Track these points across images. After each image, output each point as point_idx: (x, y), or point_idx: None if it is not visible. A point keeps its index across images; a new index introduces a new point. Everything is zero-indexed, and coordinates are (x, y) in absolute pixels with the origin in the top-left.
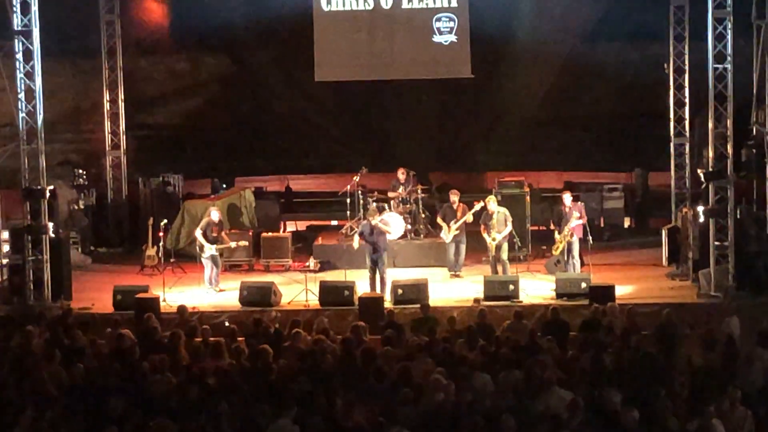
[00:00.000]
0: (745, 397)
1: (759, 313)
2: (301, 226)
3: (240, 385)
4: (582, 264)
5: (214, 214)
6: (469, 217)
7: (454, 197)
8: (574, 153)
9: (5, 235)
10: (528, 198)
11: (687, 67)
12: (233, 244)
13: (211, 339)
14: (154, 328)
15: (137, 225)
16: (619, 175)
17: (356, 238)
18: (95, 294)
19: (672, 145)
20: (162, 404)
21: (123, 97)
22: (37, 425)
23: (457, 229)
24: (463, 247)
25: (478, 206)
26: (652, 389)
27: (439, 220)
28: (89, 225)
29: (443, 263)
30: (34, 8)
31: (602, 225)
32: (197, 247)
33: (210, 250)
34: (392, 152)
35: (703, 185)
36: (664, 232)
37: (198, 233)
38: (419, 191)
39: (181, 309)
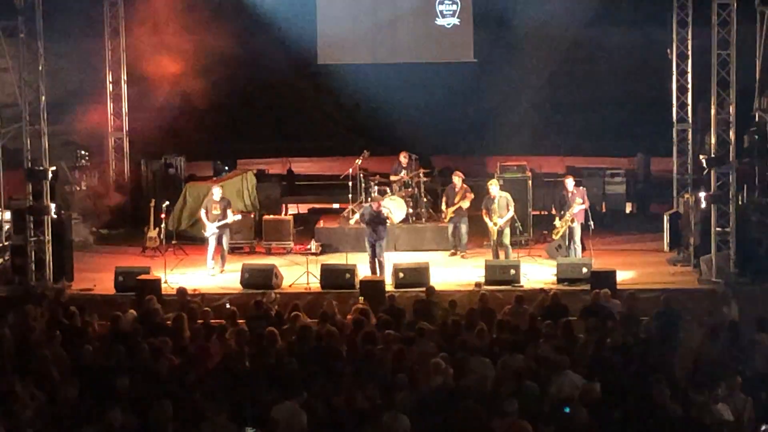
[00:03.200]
0: (745, 383)
1: (760, 299)
2: (303, 209)
3: (242, 368)
4: (583, 249)
5: (216, 192)
6: (465, 204)
7: (457, 179)
8: (577, 138)
9: (7, 215)
10: (530, 182)
11: (690, 53)
12: (230, 219)
13: (212, 321)
14: (155, 310)
15: (139, 207)
16: (621, 161)
17: (355, 217)
18: (97, 275)
19: (674, 130)
20: (163, 386)
21: (126, 78)
22: (39, 406)
23: (452, 213)
24: (464, 227)
25: (469, 198)
26: (653, 375)
27: (443, 199)
28: (91, 206)
29: (445, 247)
30: None
31: (604, 210)
32: (202, 228)
33: (211, 228)
34: (394, 136)
35: (705, 171)
36: (665, 218)
37: (201, 212)
38: (421, 175)
39: (181, 291)
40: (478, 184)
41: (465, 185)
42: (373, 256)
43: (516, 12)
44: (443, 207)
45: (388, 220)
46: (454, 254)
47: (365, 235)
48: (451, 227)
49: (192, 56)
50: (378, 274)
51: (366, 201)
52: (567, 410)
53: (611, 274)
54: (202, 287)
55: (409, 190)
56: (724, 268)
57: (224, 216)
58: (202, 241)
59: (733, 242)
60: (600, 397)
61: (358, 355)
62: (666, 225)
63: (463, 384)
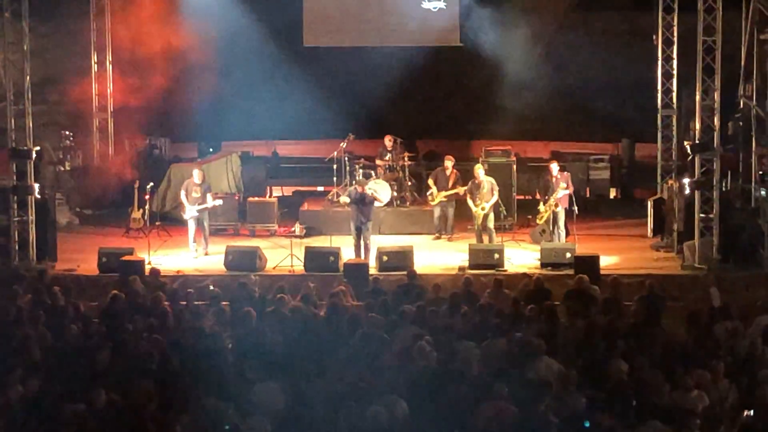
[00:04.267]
0: (728, 369)
1: (742, 285)
2: (288, 191)
3: (223, 349)
4: (567, 234)
5: (196, 175)
6: (460, 191)
7: (449, 162)
8: (561, 123)
9: None
10: (514, 167)
11: (675, 39)
12: (211, 204)
13: (195, 302)
14: (137, 291)
15: (123, 188)
16: (606, 146)
17: (343, 198)
18: (80, 256)
19: (659, 116)
20: (145, 367)
21: (111, 59)
22: (24, 387)
23: (445, 198)
24: (450, 211)
25: (462, 189)
26: (636, 360)
27: (430, 181)
28: (75, 187)
29: (429, 231)
30: None
31: (588, 195)
32: (181, 210)
33: (190, 211)
34: (380, 119)
35: (690, 157)
36: (649, 204)
37: (182, 194)
38: (406, 159)
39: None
40: (465, 169)
41: (456, 170)
42: (359, 238)
43: None
44: (433, 190)
45: (375, 201)
46: (438, 238)
47: (351, 219)
48: (438, 211)
49: (177, 37)
50: (363, 257)
51: (351, 184)
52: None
53: (595, 259)
54: (186, 269)
55: (394, 173)
56: (707, 254)
57: (204, 200)
58: (186, 223)
59: (717, 228)
60: (577, 383)
61: (343, 337)
62: (650, 211)
63: (449, 368)
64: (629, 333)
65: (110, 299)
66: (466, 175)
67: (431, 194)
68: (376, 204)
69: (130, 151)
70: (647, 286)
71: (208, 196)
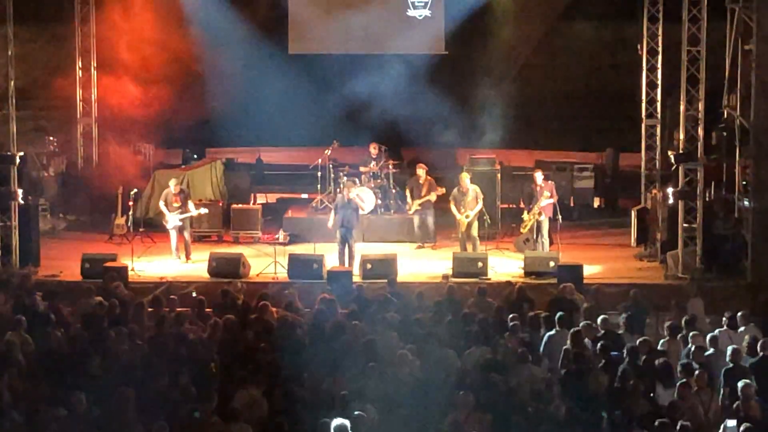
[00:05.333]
0: (710, 379)
1: (725, 295)
2: (272, 198)
3: (207, 356)
4: (551, 243)
5: (172, 184)
6: (432, 197)
7: (421, 171)
8: (546, 131)
9: None
10: (499, 176)
11: (660, 49)
12: (195, 212)
13: (178, 309)
14: (121, 297)
15: (106, 194)
16: (590, 155)
17: (331, 216)
18: (63, 262)
19: (643, 126)
20: (127, 373)
21: (95, 65)
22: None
23: (419, 205)
24: (430, 219)
25: (438, 192)
26: (618, 370)
27: (407, 191)
28: (58, 193)
29: (413, 239)
30: None
31: (572, 204)
32: (163, 219)
33: (173, 220)
34: (364, 127)
35: (673, 167)
36: (633, 213)
37: (161, 204)
38: (390, 166)
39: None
40: (448, 177)
41: (429, 177)
42: (343, 245)
43: (487, 4)
44: (408, 199)
45: (359, 209)
46: (421, 247)
47: (336, 226)
48: (417, 220)
49: (162, 43)
50: (347, 265)
51: (335, 191)
52: None
53: (578, 268)
54: (169, 275)
55: (378, 181)
56: (690, 264)
57: (185, 208)
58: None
59: (700, 238)
60: (559, 391)
61: (326, 344)
62: (633, 220)
63: (428, 376)
64: (612, 342)
65: (93, 305)
66: (449, 184)
67: (408, 204)
68: (359, 211)
69: (114, 157)
70: (631, 294)
71: (190, 203)
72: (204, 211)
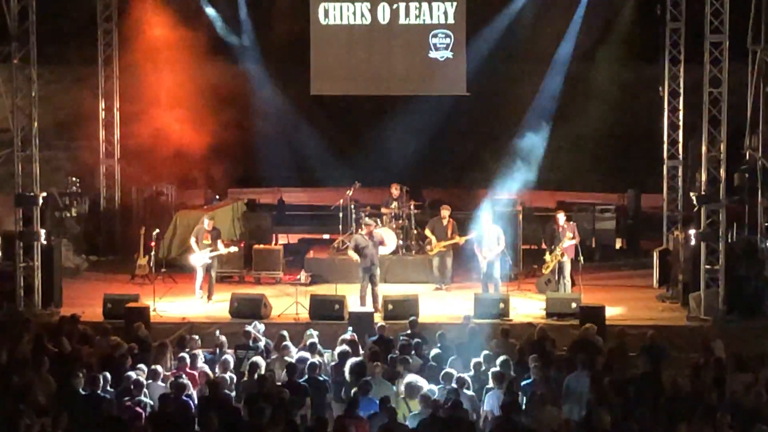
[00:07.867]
0: (732, 421)
1: (747, 337)
2: (293, 238)
3: (228, 397)
4: (573, 284)
5: (206, 222)
6: (460, 240)
7: (445, 212)
8: (568, 173)
9: None
10: (520, 216)
11: (681, 90)
12: (224, 250)
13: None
14: (144, 338)
15: (129, 234)
16: (612, 196)
17: (351, 253)
18: (86, 302)
19: (665, 167)
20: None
21: (119, 106)
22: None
23: (443, 247)
24: (449, 261)
25: (460, 240)
26: (639, 410)
27: (427, 231)
28: (81, 233)
29: (431, 280)
30: (32, 14)
31: (594, 246)
32: (190, 256)
33: (202, 258)
34: (386, 168)
35: (696, 208)
36: (655, 254)
37: (192, 240)
38: (412, 207)
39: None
40: (468, 217)
41: (452, 219)
42: (366, 286)
43: (509, 47)
44: (432, 240)
45: (381, 245)
46: (439, 289)
47: (360, 266)
48: (436, 261)
49: (184, 84)
50: (371, 305)
51: (356, 232)
52: None
53: (600, 310)
54: (191, 316)
55: (400, 222)
56: (712, 306)
57: (215, 246)
58: (192, 270)
59: (722, 280)
60: None
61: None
62: (656, 261)
63: (453, 416)
64: (632, 383)
65: (113, 346)
66: (466, 224)
67: (429, 244)
68: (381, 249)
69: (136, 197)
70: (648, 336)
71: (219, 242)
72: (234, 249)
